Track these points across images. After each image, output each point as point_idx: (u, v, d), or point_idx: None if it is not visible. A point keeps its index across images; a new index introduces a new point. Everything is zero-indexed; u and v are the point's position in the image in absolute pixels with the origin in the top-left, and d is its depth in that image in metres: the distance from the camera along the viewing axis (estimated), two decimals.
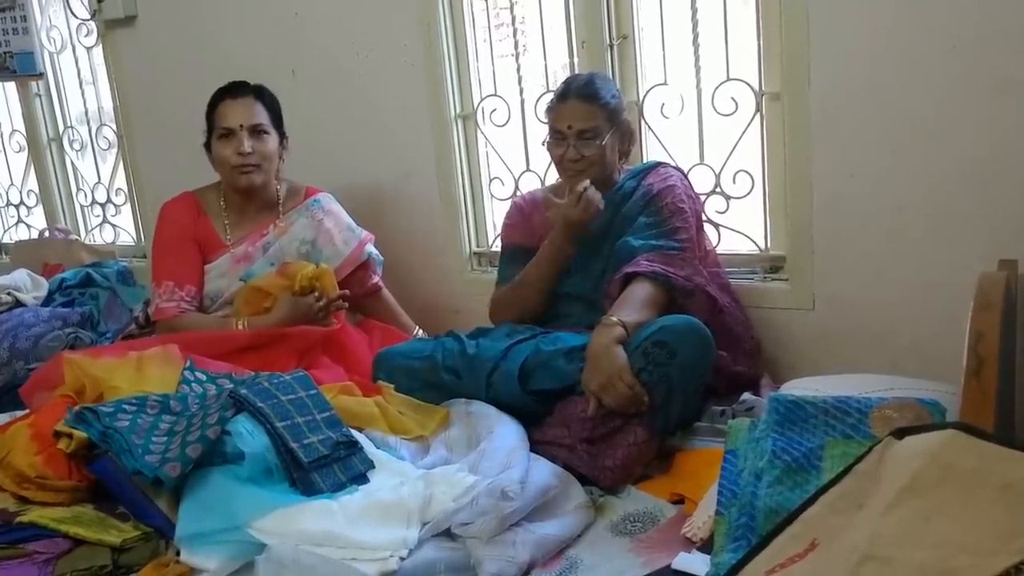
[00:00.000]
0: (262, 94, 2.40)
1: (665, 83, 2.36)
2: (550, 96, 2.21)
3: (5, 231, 4.00)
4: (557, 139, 2.13)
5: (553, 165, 2.22)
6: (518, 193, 2.57)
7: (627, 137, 2.18)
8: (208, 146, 2.41)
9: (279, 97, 2.46)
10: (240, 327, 2.25)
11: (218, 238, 2.42)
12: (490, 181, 2.72)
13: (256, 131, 2.35)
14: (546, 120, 2.18)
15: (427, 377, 2.08)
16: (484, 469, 1.74)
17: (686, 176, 2.22)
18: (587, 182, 2.05)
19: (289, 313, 2.28)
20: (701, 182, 2.31)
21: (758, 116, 2.24)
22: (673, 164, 2.26)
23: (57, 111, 3.65)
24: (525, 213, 2.29)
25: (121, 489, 1.70)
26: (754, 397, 1.97)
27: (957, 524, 0.99)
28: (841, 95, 2.05)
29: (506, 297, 2.26)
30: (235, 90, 2.38)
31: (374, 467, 1.80)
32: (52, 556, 1.58)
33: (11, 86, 3.72)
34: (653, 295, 1.96)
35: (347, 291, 2.35)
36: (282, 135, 2.43)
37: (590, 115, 2.08)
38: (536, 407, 1.95)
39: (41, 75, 3.57)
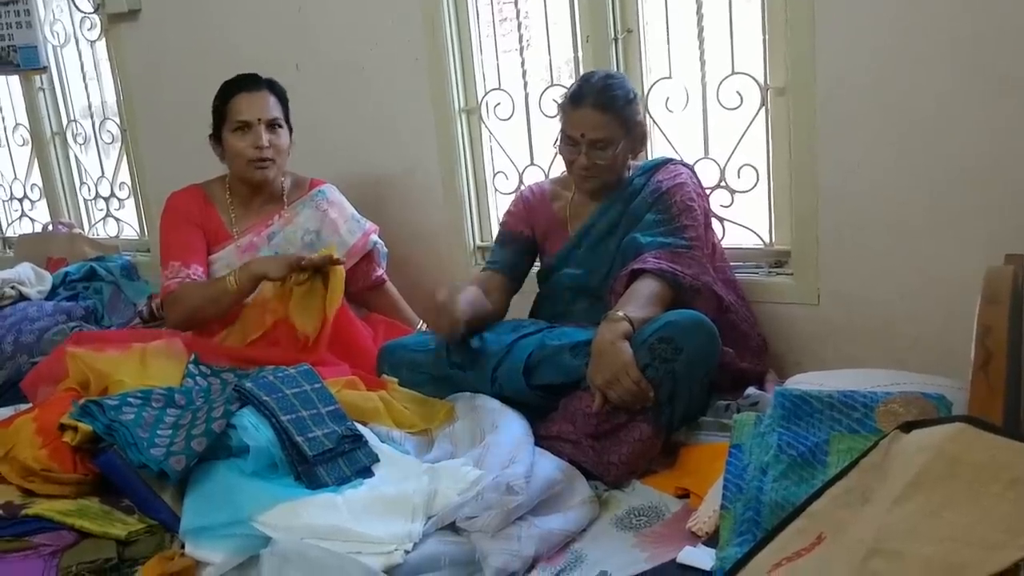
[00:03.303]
0: (274, 87, 2.41)
1: (670, 77, 2.35)
2: (555, 91, 2.20)
3: (9, 225, 4.00)
4: (569, 144, 2.11)
5: (562, 161, 2.20)
6: (523, 186, 2.57)
7: (640, 139, 2.15)
8: (216, 137, 2.41)
9: (283, 87, 2.46)
10: (231, 281, 2.23)
11: (224, 229, 2.43)
12: (494, 175, 2.72)
13: (272, 125, 2.36)
14: (557, 115, 2.15)
15: (432, 370, 2.08)
16: (489, 464, 1.74)
17: (695, 173, 2.21)
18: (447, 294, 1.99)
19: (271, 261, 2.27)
20: (706, 176, 2.30)
21: (763, 110, 2.23)
22: (682, 161, 2.25)
23: (61, 105, 3.65)
24: (530, 204, 2.28)
25: (126, 482, 1.70)
26: (759, 392, 1.97)
27: (965, 518, 0.99)
28: (846, 90, 2.04)
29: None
30: (250, 83, 2.38)
31: (379, 461, 1.79)
32: (57, 549, 1.58)
33: (15, 80, 3.72)
34: (659, 292, 1.95)
35: (341, 260, 2.26)
36: (290, 128, 2.43)
37: (604, 125, 2.04)
38: (541, 401, 1.95)
39: (45, 69, 3.57)
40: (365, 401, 2.00)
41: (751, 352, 2.10)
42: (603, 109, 2.04)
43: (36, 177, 3.83)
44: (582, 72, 2.34)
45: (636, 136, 2.12)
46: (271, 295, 2.28)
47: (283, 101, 2.42)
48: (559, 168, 2.32)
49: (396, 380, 2.09)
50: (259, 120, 2.33)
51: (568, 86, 2.18)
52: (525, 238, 2.26)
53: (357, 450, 1.79)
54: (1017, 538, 0.92)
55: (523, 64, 2.60)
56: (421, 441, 1.95)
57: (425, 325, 2.55)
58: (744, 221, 2.34)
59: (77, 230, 3.62)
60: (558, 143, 2.14)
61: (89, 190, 3.71)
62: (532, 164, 2.65)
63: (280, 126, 2.38)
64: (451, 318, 1.96)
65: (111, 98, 3.48)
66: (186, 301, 2.28)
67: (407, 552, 1.56)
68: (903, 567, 0.98)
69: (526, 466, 1.69)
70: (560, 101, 2.14)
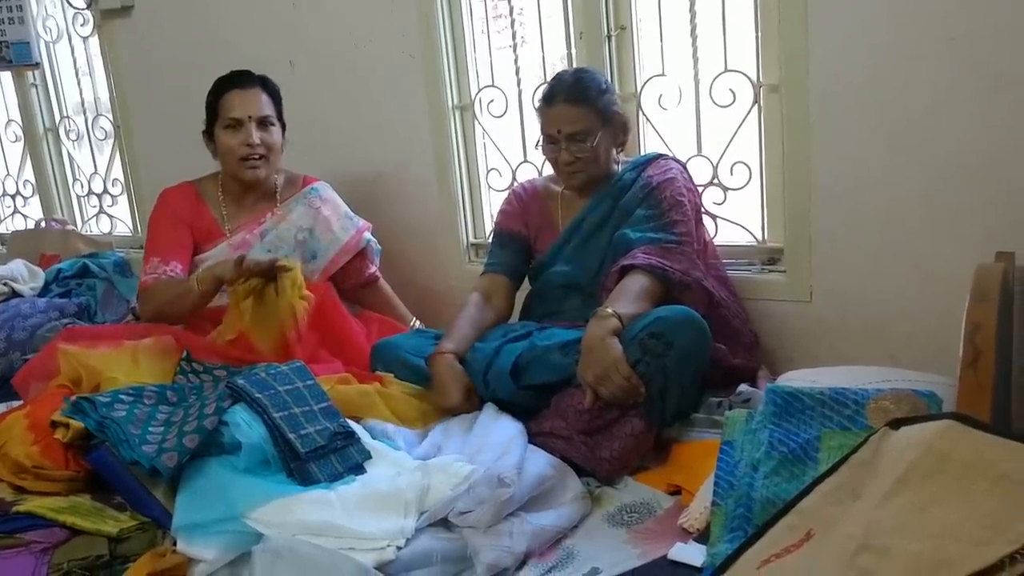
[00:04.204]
0: (267, 84, 2.40)
1: (663, 74, 2.35)
2: (543, 90, 2.20)
3: (1, 221, 3.99)
4: (549, 142, 2.12)
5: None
6: (515, 183, 2.57)
7: (621, 129, 2.15)
8: (209, 134, 2.40)
9: (276, 85, 2.45)
10: (194, 282, 2.21)
11: (217, 227, 2.43)
12: (487, 172, 2.72)
13: (263, 123, 2.35)
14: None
15: (426, 374, 2.08)
16: (481, 460, 1.74)
17: (686, 169, 2.21)
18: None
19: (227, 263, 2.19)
20: (699, 173, 2.31)
21: (756, 108, 2.23)
22: (673, 156, 2.25)
23: (53, 101, 3.65)
24: (523, 202, 2.29)
25: (118, 479, 1.70)
26: (751, 388, 1.98)
27: (953, 514, 0.99)
28: (839, 87, 2.05)
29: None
30: (242, 80, 2.37)
31: (371, 457, 1.79)
32: (49, 546, 1.58)
33: (7, 76, 3.71)
34: (649, 288, 1.95)
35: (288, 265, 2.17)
36: (283, 125, 2.43)
37: (579, 117, 2.06)
38: (533, 402, 1.95)
39: (37, 65, 3.56)
40: (361, 396, 2.00)
41: (743, 348, 2.11)
42: (575, 102, 2.06)
43: (29, 173, 3.83)
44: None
45: (615, 125, 2.12)
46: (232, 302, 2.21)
47: (276, 98, 2.41)
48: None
49: (392, 375, 2.09)
50: (250, 117, 2.33)
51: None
52: (523, 237, 2.27)
53: (349, 447, 1.78)
54: (1003, 534, 0.93)
55: (516, 61, 2.60)
56: (414, 434, 1.95)
57: (419, 323, 2.56)
58: (737, 218, 2.34)
59: (70, 226, 3.61)
60: (539, 145, 2.15)
61: (82, 186, 3.70)
62: (525, 161, 2.65)
63: (272, 124, 2.37)
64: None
65: (104, 94, 3.47)
66: (155, 298, 2.29)
67: (399, 548, 1.56)
68: (891, 563, 0.98)
69: (517, 458, 1.70)
70: (536, 104, 2.16)
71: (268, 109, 2.37)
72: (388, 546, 1.55)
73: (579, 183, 2.15)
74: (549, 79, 2.20)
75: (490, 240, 2.39)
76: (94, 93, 3.55)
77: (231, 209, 2.44)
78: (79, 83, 3.58)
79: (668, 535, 1.60)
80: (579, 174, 2.12)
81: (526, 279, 2.32)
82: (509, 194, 2.35)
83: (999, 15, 1.85)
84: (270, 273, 2.15)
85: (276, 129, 2.39)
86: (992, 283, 1.43)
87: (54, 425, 1.75)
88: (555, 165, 2.15)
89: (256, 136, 2.33)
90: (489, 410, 1.95)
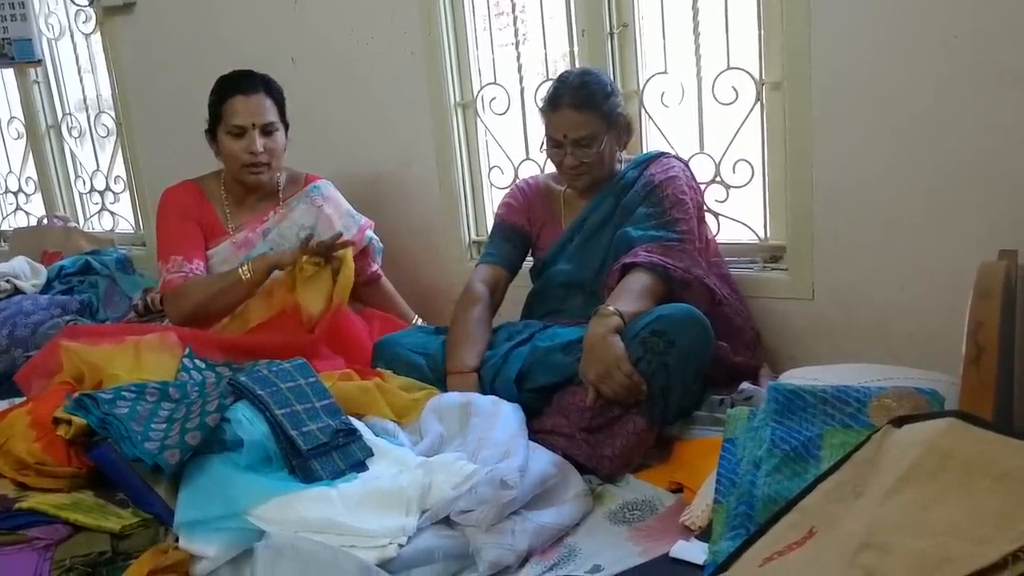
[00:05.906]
0: (270, 87, 2.39)
1: (665, 72, 2.35)
2: (546, 89, 2.19)
3: (4, 218, 4.00)
4: (554, 146, 2.11)
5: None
6: (518, 180, 2.56)
7: (625, 131, 2.15)
8: (212, 134, 2.40)
9: (279, 85, 2.45)
10: (245, 271, 2.27)
11: (219, 225, 2.43)
12: (489, 170, 2.72)
13: (267, 129, 2.35)
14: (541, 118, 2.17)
15: (428, 374, 2.08)
16: (483, 458, 1.74)
17: (688, 166, 2.21)
18: None
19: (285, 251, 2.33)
20: (701, 171, 2.31)
21: (758, 105, 2.23)
22: (675, 154, 2.25)
23: (56, 98, 3.66)
24: (528, 197, 2.28)
25: (120, 476, 1.70)
26: (753, 386, 1.97)
27: (955, 512, 0.99)
28: (842, 85, 2.05)
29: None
30: (246, 85, 2.35)
31: (373, 455, 1.79)
32: (51, 542, 1.58)
33: (9, 73, 3.72)
34: (650, 286, 1.95)
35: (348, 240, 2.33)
36: (286, 126, 2.43)
37: (585, 123, 2.05)
38: (536, 403, 1.95)
39: (39, 62, 3.56)
40: (362, 393, 2.00)
41: (745, 346, 2.11)
42: (581, 108, 2.05)
43: (31, 171, 3.83)
44: (577, 67, 2.35)
45: (620, 128, 2.12)
46: (279, 284, 2.29)
47: (279, 102, 2.40)
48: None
49: (392, 371, 2.10)
50: (254, 125, 2.32)
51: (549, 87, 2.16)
52: (526, 232, 2.27)
53: (351, 444, 1.78)
54: (1005, 532, 0.93)
55: (519, 58, 2.60)
56: (413, 429, 1.95)
57: (421, 320, 2.56)
58: (739, 216, 2.34)
59: (72, 224, 3.61)
60: (543, 147, 2.15)
61: (84, 184, 3.70)
62: (528, 159, 2.65)
63: (276, 129, 2.36)
64: None
65: (106, 91, 3.48)
66: (192, 295, 2.28)
67: (401, 546, 1.56)
68: (893, 561, 0.98)
69: (520, 460, 1.69)
70: (539, 105, 2.15)
71: (272, 115, 2.36)
72: (390, 544, 1.55)
73: (583, 186, 2.15)
74: (553, 79, 2.19)
75: (491, 231, 2.36)
76: (96, 90, 3.55)
77: (234, 207, 2.45)
78: (81, 80, 3.58)
79: (670, 533, 1.60)
80: (583, 176, 2.12)
81: (527, 277, 2.31)
82: (513, 188, 2.34)
83: (1002, 12, 1.85)
84: (333, 250, 2.27)
85: (280, 134, 2.38)
86: (995, 281, 1.43)
87: (56, 422, 1.75)
88: (559, 167, 2.15)
89: (260, 144, 2.32)
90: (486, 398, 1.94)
